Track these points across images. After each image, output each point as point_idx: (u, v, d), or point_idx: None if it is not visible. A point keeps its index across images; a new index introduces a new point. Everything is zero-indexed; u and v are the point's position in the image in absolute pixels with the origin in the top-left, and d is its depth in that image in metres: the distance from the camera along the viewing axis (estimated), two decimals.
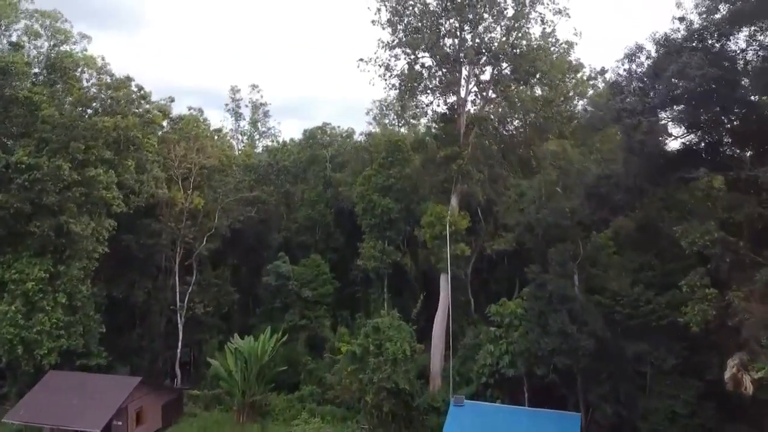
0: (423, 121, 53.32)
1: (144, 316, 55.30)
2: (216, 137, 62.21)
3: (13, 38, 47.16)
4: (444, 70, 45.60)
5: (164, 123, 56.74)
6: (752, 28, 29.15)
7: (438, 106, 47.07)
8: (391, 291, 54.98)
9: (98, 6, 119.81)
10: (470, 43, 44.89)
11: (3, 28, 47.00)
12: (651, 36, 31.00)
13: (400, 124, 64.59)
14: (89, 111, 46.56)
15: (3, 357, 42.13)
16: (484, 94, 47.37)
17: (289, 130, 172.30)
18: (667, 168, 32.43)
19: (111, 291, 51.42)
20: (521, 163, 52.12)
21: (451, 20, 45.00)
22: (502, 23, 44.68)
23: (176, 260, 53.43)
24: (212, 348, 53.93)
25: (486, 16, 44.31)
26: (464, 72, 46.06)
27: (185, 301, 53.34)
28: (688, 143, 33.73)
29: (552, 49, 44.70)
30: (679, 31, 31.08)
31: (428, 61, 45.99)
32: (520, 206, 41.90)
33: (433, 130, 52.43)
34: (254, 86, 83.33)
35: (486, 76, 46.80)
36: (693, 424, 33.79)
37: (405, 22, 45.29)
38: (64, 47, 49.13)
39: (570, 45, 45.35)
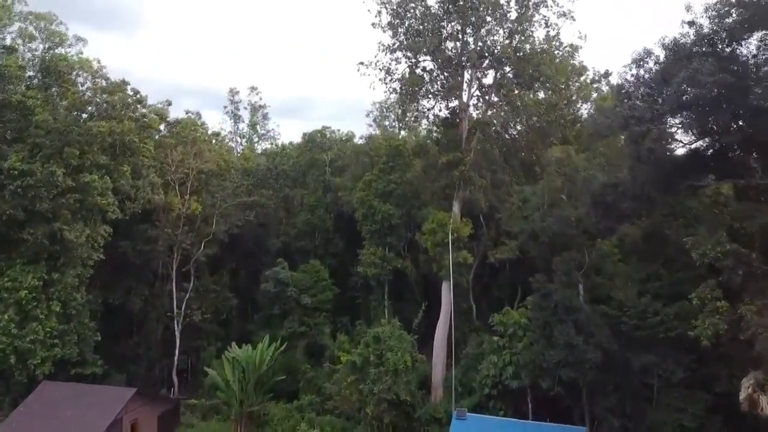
0: (424, 123, 52.52)
1: (141, 323, 54.43)
2: (214, 141, 61.30)
3: (7, 41, 46.24)
4: (446, 74, 44.76)
5: (161, 127, 55.88)
6: (764, 32, 28.33)
7: (440, 110, 46.31)
8: (391, 297, 54.09)
9: (98, 6, 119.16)
10: (473, 46, 44.07)
11: None
12: (660, 41, 30.13)
13: (401, 127, 63.90)
14: (84, 115, 45.59)
15: None
16: (487, 98, 46.55)
17: (289, 130, 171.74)
18: (676, 175, 31.61)
19: (107, 298, 50.55)
20: (524, 168, 51.38)
21: (453, 23, 44.18)
22: (505, 26, 43.86)
23: (173, 266, 52.53)
24: (210, 355, 53.10)
25: (489, 19, 43.52)
26: (466, 76, 45.28)
27: (182, 308, 52.44)
28: (696, 150, 32.92)
29: (556, 52, 43.82)
30: (688, 36, 30.24)
31: (430, 65, 45.27)
32: (523, 213, 41.08)
33: (434, 134, 51.66)
34: (253, 88, 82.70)
35: (488, 80, 46.11)
36: None
37: (406, 25, 44.47)
38: (59, 50, 48.36)
39: (574, 49, 44.51)
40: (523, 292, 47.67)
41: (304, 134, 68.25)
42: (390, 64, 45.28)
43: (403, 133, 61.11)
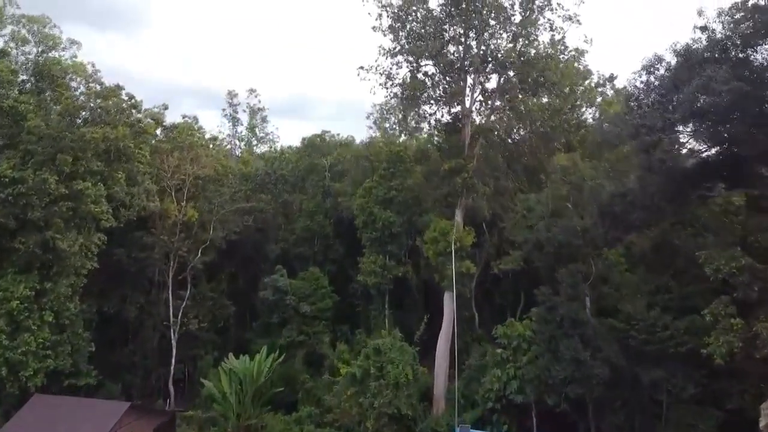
0: (425, 127, 51.35)
1: (136, 331, 53.42)
2: (211, 146, 60.20)
3: None
4: (448, 79, 43.69)
5: (158, 131, 54.79)
6: None
7: (442, 116, 45.22)
8: (392, 305, 53.04)
9: (98, 6, 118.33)
10: (475, 50, 43.03)
11: None
12: (671, 46, 29.13)
13: (401, 131, 62.67)
14: (78, 121, 44.46)
15: None
16: (490, 103, 45.48)
17: (288, 131, 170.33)
18: (686, 185, 30.63)
19: (101, 306, 49.46)
20: (527, 173, 50.30)
21: (456, 26, 43.11)
22: (509, 30, 42.78)
23: (170, 274, 51.45)
24: (207, 364, 52.18)
25: (492, 22, 42.42)
26: (469, 80, 44.20)
27: (179, 316, 51.42)
28: (707, 159, 31.91)
29: (561, 57, 42.74)
30: (700, 41, 29.23)
31: (431, 69, 44.18)
32: (527, 222, 40.00)
33: (435, 139, 50.57)
34: (252, 90, 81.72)
35: (492, 84, 45.03)
36: None
37: (407, 28, 43.41)
38: (53, 53, 47.25)
39: (580, 53, 43.42)
40: (526, 300, 46.78)
41: (303, 139, 67.32)
42: (391, 68, 44.35)
43: (403, 137, 59.87)
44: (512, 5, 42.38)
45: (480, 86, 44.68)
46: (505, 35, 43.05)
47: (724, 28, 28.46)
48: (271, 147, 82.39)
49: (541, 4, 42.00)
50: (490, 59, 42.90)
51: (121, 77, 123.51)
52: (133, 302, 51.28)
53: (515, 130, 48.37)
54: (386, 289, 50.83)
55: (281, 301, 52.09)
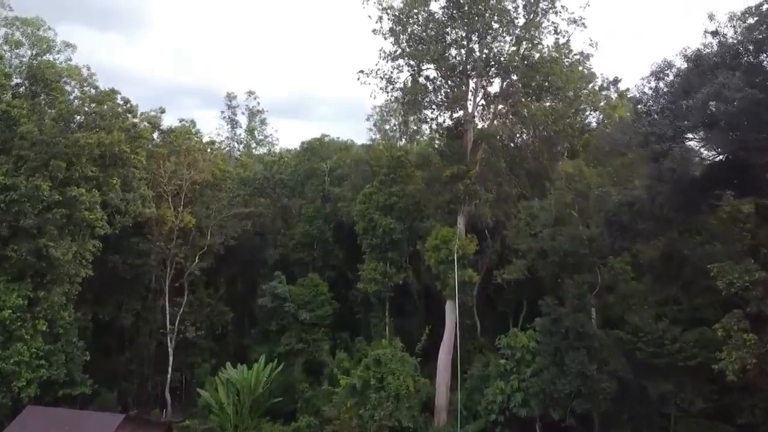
0: (426, 130, 50.34)
1: (132, 339, 52.75)
2: (209, 150, 59.28)
3: None
4: (450, 83, 42.77)
5: (154, 135, 53.90)
6: None
7: (443, 120, 44.26)
8: (393, 312, 52.05)
9: (98, 6, 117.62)
10: (478, 53, 42.07)
11: None
12: (681, 52, 28.18)
13: (401, 134, 61.79)
14: (72, 126, 43.56)
15: None
16: (492, 107, 44.51)
17: (288, 132, 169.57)
18: (696, 194, 29.70)
19: (97, 314, 48.77)
20: (529, 177, 49.35)
21: (458, 30, 42.14)
22: (512, 33, 41.81)
23: (166, 280, 50.69)
24: (205, 372, 51.44)
25: (495, 25, 41.43)
26: (471, 84, 43.25)
27: (176, 323, 50.60)
28: (716, 167, 30.99)
29: (565, 61, 41.79)
30: (711, 46, 28.31)
31: (433, 73, 43.27)
32: (531, 230, 39.08)
33: (436, 142, 49.64)
34: (250, 93, 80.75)
35: (494, 88, 44.06)
36: None
37: (408, 31, 42.43)
38: (47, 56, 46.44)
39: (585, 57, 42.45)
40: (528, 308, 45.87)
41: (303, 143, 66.38)
42: (391, 72, 43.36)
43: (403, 141, 58.92)
44: (516, 8, 41.40)
45: (482, 90, 43.68)
46: (508, 38, 42.09)
47: (735, 32, 27.57)
48: (270, 149, 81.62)
49: (545, 7, 41.05)
50: (492, 63, 41.93)
51: (121, 77, 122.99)
52: (130, 309, 50.65)
53: (518, 135, 47.33)
54: (387, 297, 49.83)
55: (280, 308, 51.21)
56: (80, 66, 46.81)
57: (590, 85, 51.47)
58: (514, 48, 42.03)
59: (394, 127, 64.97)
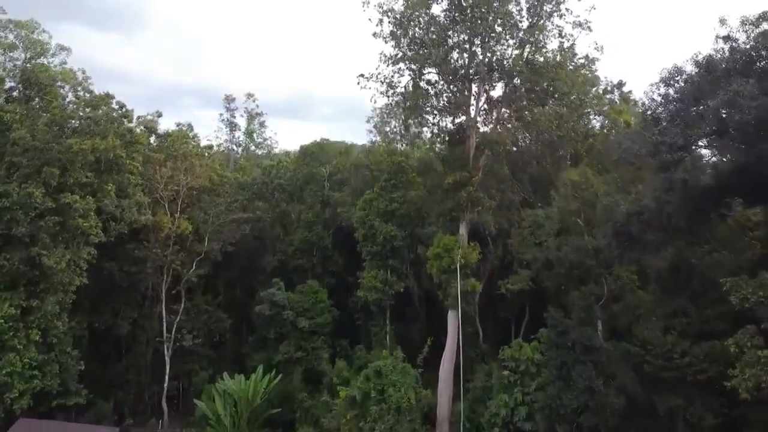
0: (427, 134, 49.38)
1: (129, 347, 51.94)
2: (206, 154, 58.32)
3: None
4: (452, 87, 41.85)
5: (151, 139, 52.98)
6: None
7: (445, 125, 43.33)
8: (393, 320, 51.11)
9: (98, 7, 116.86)
10: (480, 57, 41.15)
11: None
12: (692, 57, 27.31)
13: (402, 137, 60.85)
14: (66, 131, 42.62)
15: None
16: (495, 112, 43.59)
17: (287, 133, 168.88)
18: (706, 203, 28.84)
19: (92, 322, 47.94)
20: (533, 183, 48.46)
21: (460, 33, 41.22)
22: (516, 36, 40.92)
23: (163, 288, 49.72)
24: (202, 380, 50.50)
25: (498, 29, 40.50)
26: (474, 89, 42.33)
27: (173, 331, 49.65)
28: (725, 175, 30.10)
29: (570, 66, 40.89)
30: (722, 52, 27.44)
31: (434, 77, 42.33)
32: (536, 239, 38.18)
33: (437, 147, 48.69)
34: (249, 95, 79.78)
35: (497, 92, 43.14)
36: None
37: (410, 34, 41.48)
38: (41, 60, 45.61)
39: (591, 61, 41.51)
40: (531, 316, 45.03)
41: (302, 147, 65.31)
42: (392, 76, 42.42)
43: (404, 145, 57.93)
44: (519, 11, 40.53)
45: (485, 95, 42.75)
46: (511, 42, 41.20)
47: (748, 38, 26.71)
48: (269, 152, 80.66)
49: (549, 10, 40.16)
50: (495, 67, 41.00)
51: (121, 77, 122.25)
52: (126, 317, 49.81)
53: (521, 140, 46.40)
54: (387, 305, 48.88)
55: (278, 315, 50.20)
56: (75, 69, 46.11)
57: (594, 89, 50.67)
58: (517, 52, 41.16)
59: (395, 129, 64.04)
